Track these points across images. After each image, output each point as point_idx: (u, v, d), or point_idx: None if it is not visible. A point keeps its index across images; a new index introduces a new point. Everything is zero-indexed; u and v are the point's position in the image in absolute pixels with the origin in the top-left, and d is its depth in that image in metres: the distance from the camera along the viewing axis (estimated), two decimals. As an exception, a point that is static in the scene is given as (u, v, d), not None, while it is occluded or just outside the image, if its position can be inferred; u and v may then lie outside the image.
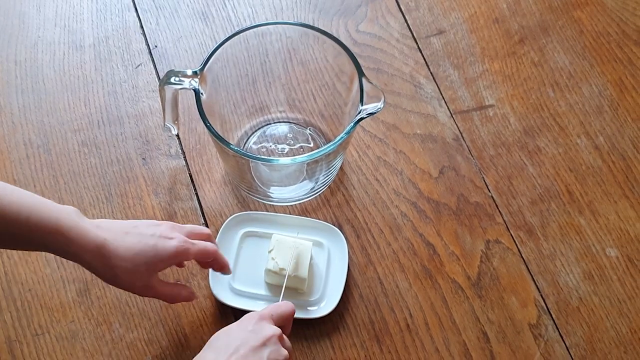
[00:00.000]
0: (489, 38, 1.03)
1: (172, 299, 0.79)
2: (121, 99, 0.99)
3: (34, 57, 1.01)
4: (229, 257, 0.87)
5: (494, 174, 0.94)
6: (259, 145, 0.96)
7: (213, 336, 0.72)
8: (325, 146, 0.79)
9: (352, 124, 0.79)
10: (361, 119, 0.79)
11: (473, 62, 1.02)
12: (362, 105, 0.80)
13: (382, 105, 0.79)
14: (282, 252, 0.84)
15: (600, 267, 0.89)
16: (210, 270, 0.86)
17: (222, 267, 0.81)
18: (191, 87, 0.82)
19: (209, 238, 0.80)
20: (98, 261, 0.71)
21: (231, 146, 0.79)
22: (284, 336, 0.74)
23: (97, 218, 0.89)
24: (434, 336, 0.85)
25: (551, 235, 0.91)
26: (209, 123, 0.80)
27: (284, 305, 0.77)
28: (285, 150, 0.95)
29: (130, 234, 0.72)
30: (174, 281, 0.87)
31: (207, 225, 0.91)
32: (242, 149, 0.95)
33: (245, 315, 0.74)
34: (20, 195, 0.68)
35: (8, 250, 0.88)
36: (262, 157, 0.84)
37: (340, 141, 0.79)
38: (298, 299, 0.85)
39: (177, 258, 0.75)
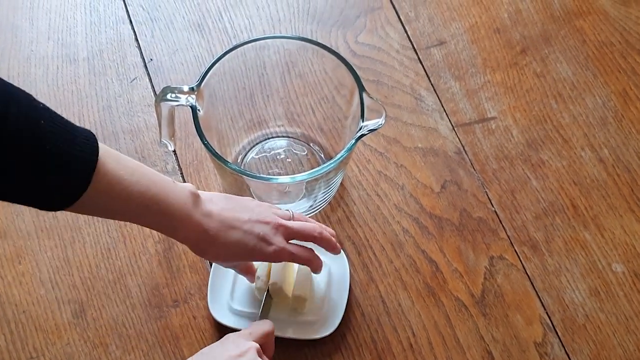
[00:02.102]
0: (490, 48, 1.02)
1: (245, 274, 0.83)
2: (116, 113, 0.97)
3: (27, 71, 0.99)
4: (227, 277, 0.86)
5: (497, 188, 0.93)
6: (261, 156, 0.94)
7: (197, 354, 0.71)
8: (325, 164, 0.77)
9: (352, 141, 0.77)
10: (362, 135, 0.78)
11: (474, 74, 1.00)
12: (362, 121, 0.78)
13: (383, 122, 0.78)
14: (265, 267, 0.83)
15: (607, 283, 0.87)
16: (209, 290, 0.84)
17: (315, 268, 0.81)
18: (188, 103, 0.80)
19: (314, 239, 0.79)
20: (197, 246, 0.74)
21: (229, 164, 0.77)
22: (263, 355, 0.73)
23: (94, 236, 0.89)
24: (437, 356, 0.83)
25: (556, 251, 0.89)
26: (206, 141, 0.78)
27: (261, 324, 0.77)
28: (284, 166, 0.94)
29: (236, 229, 0.74)
30: (173, 300, 0.86)
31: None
32: (240, 165, 0.93)
33: (225, 336, 0.74)
34: (147, 182, 0.68)
35: (1, 272, 0.86)
36: (260, 175, 0.83)
37: (340, 159, 0.77)
38: (298, 318, 0.83)
39: (269, 261, 0.79)
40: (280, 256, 0.76)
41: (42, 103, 0.61)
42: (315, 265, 0.80)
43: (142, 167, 0.69)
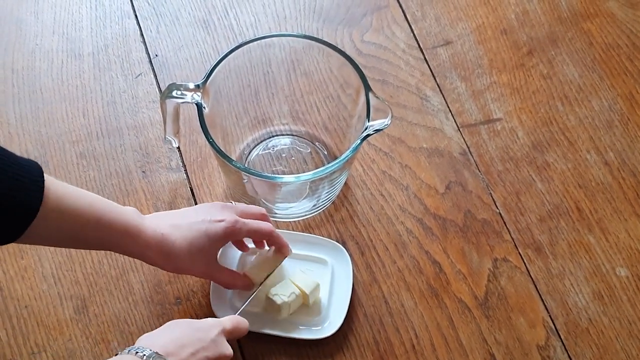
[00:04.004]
0: (496, 49, 1.01)
1: (228, 286, 0.81)
2: (120, 109, 0.96)
3: (32, 65, 0.99)
4: (231, 275, 0.86)
5: (502, 189, 0.92)
6: (264, 153, 0.94)
7: (174, 322, 0.73)
8: (330, 164, 0.76)
9: (358, 141, 0.77)
10: (367, 135, 0.77)
11: (481, 74, 1.00)
12: (368, 121, 0.78)
13: (389, 122, 0.77)
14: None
15: (610, 287, 0.87)
16: (211, 288, 0.84)
17: (280, 247, 0.82)
18: (193, 101, 0.80)
19: (263, 217, 0.81)
20: (159, 256, 0.75)
21: (233, 162, 0.77)
22: None
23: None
24: (440, 358, 0.83)
25: (560, 254, 0.89)
26: (211, 139, 0.78)
27: (243, 324, 0.77)
28: (287, 165, 0.93)
29: (182, 225, 0.76)
30: (175, 298, 0.85)
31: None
32: (244, 162, 0.93)
33: (208, 319, 0.74)
34: (93, 199, 0.71)
35: (3, 266, 0.86)
36: (265, 174, 0.82)
37: (345, 159, 0.77)
38: (301, 319, 0.83)
39: (228, 238, 0.78)
40: (235, 230, 0.76)
41: None
42: (278, 243, 0.81)
43: (85, 192, 0.71)
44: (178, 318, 0.84)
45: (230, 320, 0.75)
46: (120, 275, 0.87)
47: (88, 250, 0.87)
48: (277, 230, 0.82)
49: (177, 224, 0.76)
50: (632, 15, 1.03)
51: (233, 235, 0.77)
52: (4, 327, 0.83)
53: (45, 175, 0.66)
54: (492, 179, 0.93)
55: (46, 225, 0.66)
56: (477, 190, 0.92)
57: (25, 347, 0.83)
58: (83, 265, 0.87)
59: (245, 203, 0.89)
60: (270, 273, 0.82)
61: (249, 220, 0.79)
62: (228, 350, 0.72)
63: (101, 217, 0.70)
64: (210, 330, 0.72)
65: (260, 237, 0.81)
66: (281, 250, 0.83)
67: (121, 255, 0.87)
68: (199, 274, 0.81)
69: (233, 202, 0.82)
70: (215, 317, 0.83)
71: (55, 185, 0.67)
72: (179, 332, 0.71)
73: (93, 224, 0.70)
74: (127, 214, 0.73)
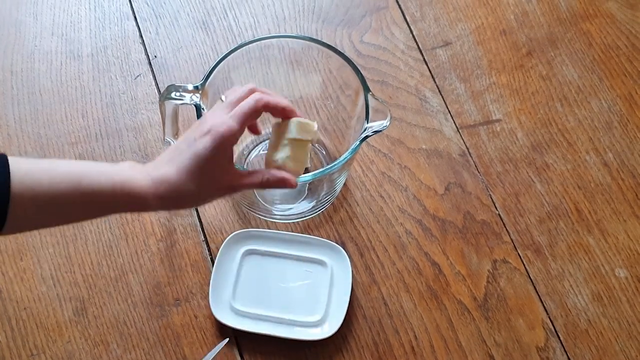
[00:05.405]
0: (496, 50, 1.01)
1: (263, 183, 0.71)
2: (120, 110, 0.96)
3: (31, 67, 0.99)
4: (230, 276, 0.86)
5: (501, 191, 0.92)
6: (264, 154, 0.93)
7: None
8: (329, 165, 0.76)
9: (357, 142, 0.77)
10: (366, 137, 0.77)
11: (480, 75, 1.00)
12: (367, 122, 0.77)
13: (388, 123, 0.77)
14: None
15: (610, 288, 0.87)
16: (211, 289, 0.84)
17: (287, 112, 0.73)
18: (192, 102, 0.79)
19: (251, 93, 0.71)
20: (166, 201, 0.66)
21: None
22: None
23: (96, 233, 0.88)
24: (439, 359, 0.83)
25: (559, 255, 0.89)
26: (210, 140, 0.77)
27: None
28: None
29: (174, 157, 0.67)
30: (174, 299, 0.85)
31: (207, 243, 0.89)
32: (243, 163, 0.93)
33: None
34: (70, 165, 0.65)
35: (2, 268, 0.86)
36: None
37: (344, 160, 0.76)
38: (300, 319, 0.83)
39: (225, 145, 0.67)
40: (225, 131, 0.66)
41: None
42: (282, 106, 0.73)
43: (63, 161, 0.65)
44: (177, 319, 0.84)
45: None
46: (119, 277, 0.87)
47: (87, 252, 0.87)
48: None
49: (169, 159, 0.67)
50: (631, 16, 1.03)
51: (227, 139, 0.67)
52: (3, 329, 0.83)
53: (12, 158, 0.60)
54: (491, 180, 0.93)
55: (24, 207, 0.60)
56: (476, 192, 0.92)
57: (25, 349, 0.83)
58: (82, 266, 0.87)
59: (245, 204, 0.90)
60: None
61: (236, 110, 0.69)
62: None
63: (80, 181, 0.63)
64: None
65: (256, 116, 0.71)
66: (292, 115, 0.74)
67: (120, 256, 0.87)
68: (221, 194, 0.71)
69: (222, 98, 0.72)
70: (215, 318, 0.83)
71: (21, 164, 0.61)
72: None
73: (73, 190, 0.62)
74: (111, 170, 0.66)
